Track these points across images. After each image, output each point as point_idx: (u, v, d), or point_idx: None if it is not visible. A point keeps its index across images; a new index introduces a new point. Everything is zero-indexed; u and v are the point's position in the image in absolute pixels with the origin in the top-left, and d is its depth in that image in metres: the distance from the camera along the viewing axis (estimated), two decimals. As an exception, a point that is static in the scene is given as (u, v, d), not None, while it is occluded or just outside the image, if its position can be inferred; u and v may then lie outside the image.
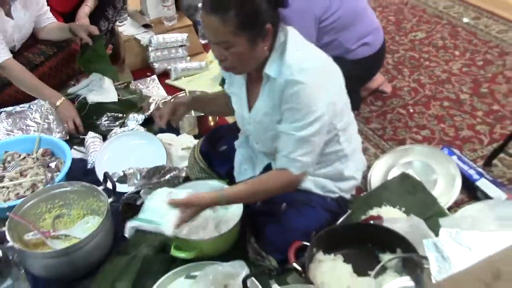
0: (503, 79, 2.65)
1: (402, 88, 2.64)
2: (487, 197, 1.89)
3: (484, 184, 1.93)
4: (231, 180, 1.85)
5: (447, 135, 2.30)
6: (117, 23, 2.94)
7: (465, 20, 3.24)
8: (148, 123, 2.37)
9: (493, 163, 2.10)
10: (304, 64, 1.44)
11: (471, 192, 1.94)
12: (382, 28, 2.31)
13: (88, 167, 2.17)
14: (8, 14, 2.38)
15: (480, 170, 1.99)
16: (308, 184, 1.65)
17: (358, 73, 2.26)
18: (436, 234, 1.55)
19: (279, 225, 1.64)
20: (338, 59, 2.21)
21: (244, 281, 1.45)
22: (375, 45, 2.25)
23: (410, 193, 1.90)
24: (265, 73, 1.49)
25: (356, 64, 2.23)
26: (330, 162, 1.65)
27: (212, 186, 1.78)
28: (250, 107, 1.62)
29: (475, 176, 1.95)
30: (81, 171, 2.15)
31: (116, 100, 2.51)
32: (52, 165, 2.08)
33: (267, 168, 1.70)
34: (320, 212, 1.67)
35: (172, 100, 1.83)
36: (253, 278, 1.54)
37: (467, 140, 2.26)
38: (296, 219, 1.64)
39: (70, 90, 2.59)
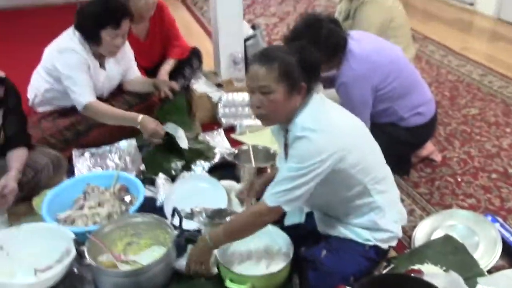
0: (553, 158, 2.75)
1: (451, 158, 2.78)
2: (526, 264, 1.97)
3: (525, 251, 2.02)
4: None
5: (492, 204, 2.41)
6: (193, 81, 3.27)
7: (519, 99, 3.38)
8: (212, 171, 2.61)
9: (536, 234, 2.18)
10: (310, 123, 1.68)
11: (510, 259, 2.03)
12: (434, 101, 2.50)
13: (157, 204, 2.41)
14: (102, 65, 2.75)
15: (522, 238, 2.09)
16: (347, 232, 1.82)
17: (409, 140, 2.45)
18: (474, 290, 1.67)
19: (319, 272, 1.79)
20: (391, 126, 2.45)
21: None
22: (427, 115, 2.44)
23: (452, 253, 2.01)
24: (287, 129, 1.76)
25: (408, 131, 2.42)
26: (363, 213, 1.82)
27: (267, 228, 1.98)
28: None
29: (516, 244, 2.05)
30: (151, 208, 2.38)
31: (187, 148, 2.78)
32: (127, 199, 2.34)
33: (309, 214, 1.90)
34: (358, 258, 1.81)
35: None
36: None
37: (511, 211, 2.36)
38: (334, 264, 1.78)
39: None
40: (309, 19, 2.42)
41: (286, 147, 1.85)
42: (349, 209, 1.83)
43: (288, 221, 2.02)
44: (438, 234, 2.13)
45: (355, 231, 1.83)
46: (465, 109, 3.30)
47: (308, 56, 1.73)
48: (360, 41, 2.34)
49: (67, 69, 2.57)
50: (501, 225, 2.15)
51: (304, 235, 1.95)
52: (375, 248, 1.83)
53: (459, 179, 2.60)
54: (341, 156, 1.68)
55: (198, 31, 4.93)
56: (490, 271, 1.95)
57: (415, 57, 3.16)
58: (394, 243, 1.91)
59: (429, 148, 2.74)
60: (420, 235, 2.16)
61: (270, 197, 1.72)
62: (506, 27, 4.79)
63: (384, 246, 1.86)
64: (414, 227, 2.20)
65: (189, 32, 4.77)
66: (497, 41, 4.54)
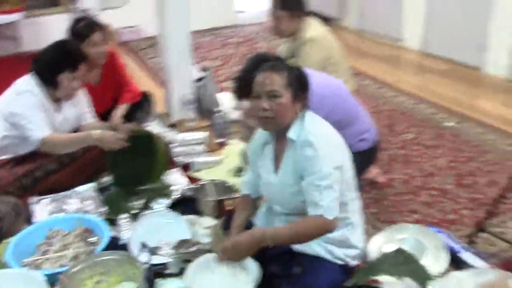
0: (483, 173, 3.03)
1: (394, 179, 3.01)
2: (470, 267, 2.17)
3: (468, 256, 2.22)
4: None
5: (435, 217, 2.63)
6: (145, 123, 3.38)
7: (449, 124, 3.69)
8: (173, 207, 2.70)
9: (476, 241, 2.40)
10: (317, 130, 1.89)
11: (457, 264, 2.22)
12: (375, 128, 2.72)
13: (120, 243, 2.47)
14: (58, 109, 2.81)
15: (464, 245, 2.30)
16: (318, 249, 1.96)
17: (356, 165, 2.64)
18: (426, 294, 1.84)
19: (294, 285, 1.90)
20: None
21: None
22: (370, 141, 2.66)
23: (404, 264, 2.17)
24: (289, 137, 1.91)
25: (355, 157, 2.61)
26: (338, 228, 1.97)
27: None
28: (276, 172, 1.99)
29: (460, 250, 2.26)
30: (114, 247, 2.43)
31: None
32: (92, 239, 2.39)
33: None
34: (330, 274, 1.94)
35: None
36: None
37: (452, 222, 2.59)
38: (309, 278, 1.90)
39: (105, 179, 2.95)
40: (257, 59, 2.60)
41: (276, 159, 2.01)
42: None
43: None
44: (389, 248, 2.30)
45: (327, 248, 1.96)
46: (403, 135, 3.58)
47: (301, 73, 1.96)
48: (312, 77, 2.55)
49: (24, 109, 2.63)
50: (445, 235, 2.35)
51: (274, 256, 2.06)
52: (345, 266, 1.98)
53: (403, 198, 2.82)
54: (342, 165, 1.89)
55: (144, 76, 5.06)
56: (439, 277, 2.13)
57: (354, 90, 3.41)
58: (360, 261, 2.06)
59: (373, 172, 2.95)
60: (373, 250, 2.32)
61: (328, 211, 1.81)
62: (432, 60, 5.22)
63: (353, 263, 2.01)
64: (367, 242, 2.36)
65: (135, 77, 4.88)
66: (424, 73, 4.94)
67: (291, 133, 1.92)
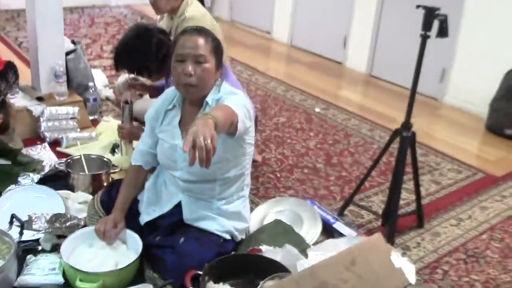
0: (348, 154, 3.28)
1: (270, 159, 3.12)
2: (342, 236, 2.34)
3: (339, 226, 2.40)
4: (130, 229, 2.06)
5: (308, 193, 2.78)
6: (9, 95, 3.10)
7: (317, 109, 3.93)
8: (42, 183, 2.52)
9: (344, 213, 2.59)
10: (233, 90, 1.90)
11: (329, 233, 2.38)
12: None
13: (-15, 219, 2.24)
14: None
15: (335, 216, 2.47)
16: (206, 222, 1.96)
17: None
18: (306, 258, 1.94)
19: (177, 255, 1.89)
20: None
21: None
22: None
23: (282, 234, 2.26)
24: (206, 101, 1.89)
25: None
26: (232, 199, 2.00)
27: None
28: (183, 136, 1.93)
29: (332, 220, 2.42)
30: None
31: (10, 162, 2.64)
32: (-51, 215, 2.14)
33: (177, 205, 1.99)
34: (215, 247, 1.95)
35: (106, 221, 2.02)
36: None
37: (324, 197, 2.76)
38: (192, 248, 1.90)
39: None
40: (139, 29, 2.54)
41: (183, 123, 1.96)
42: (224, 192, 1.98)
43: (147, 217, 2.06)
44: (268, 220, 2.39)
45: (218, 220, 1.97)
46: (275, 118, 3.72)
47: (219, 42, 1.95)
48: None
49: None
50: (318, 207, 2.51)
51: (158, 228, 2.02)
52: (231, 240, 2.02)
53: (278, 175, 2.94)
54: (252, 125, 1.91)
55: (4, 49, 4.63)
56: (314, 245, 2.26)
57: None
58: (244, 235, 2.10)
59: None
60: (253, 222, 2.39)
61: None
62: (297, 52, 5.49)
63: (239, 237, 2.05)
64: (248, 216, 2.43)
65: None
66: (292, 63, 5.18)
67: (208, 98, 1.90)
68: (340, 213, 2.59)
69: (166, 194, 2.06)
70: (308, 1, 5.44)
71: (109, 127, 3.15)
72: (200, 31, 1.90)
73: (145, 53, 2.49)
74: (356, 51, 5.00)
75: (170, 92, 2.05)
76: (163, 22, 3.28)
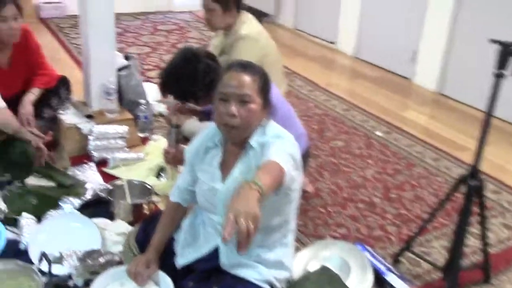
0: (410, 187, 3.01)
1: (322, 189, 2.92)
2: (394, 290, 2.11)
3: (392, 278, 2.16)
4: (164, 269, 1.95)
5: (361, 233, 2.55)
6: (60, 111, 3.07)
7: (378, 133, 3.67)
8: (84, 208, 2.45)
9: (400, 260, 2.35)
10: (280, 133, 1.73)
11: (381, 284, 2.16)
12: (307, 135, 2.60)
13: (21, 247, 2.20)
14: None
15: (389, 266, 2.24)
16: (245, 270, 1.80)
17: None
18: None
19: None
20: None
21: None
22: (301, 149, 2.52)
23: (328, 284, 2.07)
24: (249, 143, 1.72)
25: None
26: (274, 247, 1.82)
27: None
28: (223, 179, 1.78)
29: (385, 271, 2.19)
30: (14, 252, 2.16)
31: (54, 184, 2.60)
32: (-16, 243, 2.10)
33: (215, 250, 1.83)
34: None
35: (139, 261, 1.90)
36: None
37: (378, 239, 2.52)
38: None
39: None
40: (186, 54, 2.41)
41: (224, 165, 1.80)
42: (266, 240, 1.81)
43: (181, 261, 1.93)
44: (314, 265, 2.19)
45: (257, 268, 1.80)
46: (332, 142, 3.50)
47: (268, 78, 1.78)
48: None
49: None
50: (371, 254, 2.28)
51: (191, 273, 1.88)
52: None
53: (330, 210, 2.73)
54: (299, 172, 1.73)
55: (64, 57, 4.68)
56: (363, 299, 2.05)
57: (286, 92, 3.30)
58: (286, 284, 1.92)
59: (302, 180, 2.84)
60: (297, 267, 2.20)
61: (282, 161, 1.54)
62: (362, 65, 5.22)
63: (279, 286, 1.87)
64: (292, 259, 2.24)
65: (55, 59, 4.51)
66: (355, 78, 4.92)
67: (252, 141, 1.73)
68: (396, 260, 2.35)
69: (204, 235, 1.92)
70: (376, 11, 5.16)
71: (157, 147, 3.06)
72: (247, 67, 1.74)
73: (192, 79, 2.36)
74: (426, 66, 4.67)
75: (212, 128, 1.90)
76: (217, 39, 3.16)
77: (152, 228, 2.06)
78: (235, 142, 1.79)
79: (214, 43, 3.21)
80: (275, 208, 1.76)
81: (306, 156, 2.59)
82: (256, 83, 1.70)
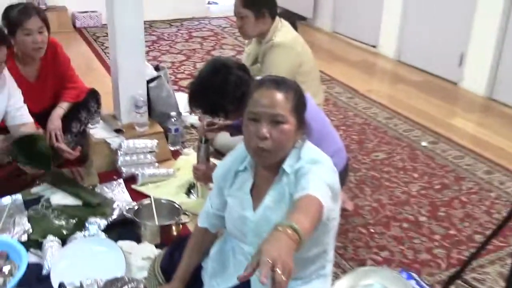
0: (459, 204, 2.77)
1: (363, 207, 2.71)
2: (444, 325, 1.90)
3: (441, 311, 1.95)
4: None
5: (406, 257, 2.34)
6: (89, 125, 2.99)
7: (424, 144, 3.43)
8: (109, 228, 2.34)
9: (451, 289, 2.13)
10: (316, 158, 1.54)
11: (429, 318, 1.95)
12: (345, 149, 2.41)
13: (44, 272, 2.10)
14: None
15: (437, 296, 2.03)
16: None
17: None
18: None
19: None
20: None
21: None
22: (340, 165, 2.34)
23: (370, 317, 1.90)
24: (282, 168, 1.54)
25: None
26: (311, 280, 1.65)
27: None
28: (254, 207, 1.62)
29: (433, 303, 1.98)
30: (35, 277, 2.07)
31: (81, 203, 2.50)
32: (6, 269, 2.00)
33: (247, 281, 1.67)
34: None
35: None
36: None
37: (425, 263, 2.31)
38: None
39: (34, 190, 2.58)
40: (216, 65, 2.26)
41: (255, 190, 1.64)
42: (301, 273, 1.64)
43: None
44: (354, 295, 2.01)
45: None
46: (374, 154, 3.29)
47: (303, 94, 1.61)
48: None
49: None
50: (417, 283, 2.07)
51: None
52: None
53: (371, 230, 2.53)
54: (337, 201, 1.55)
55: (99, 67, 4.63)
56: (409, 335, 1.85)
57: (323, 101, 3.11)
58: None
59: (341, 197, 2.65)
60: (336, 297, 2.02)
61: (319, 193, 1.38)
62: (405, 69, 4.96)
63: None
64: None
65: (90, 69, 4.47)
66: (398, 83, 4.67)
67: (286, 165, 1.55)
68: (445, 289, 2.13)
69: (234, 264, 1.76)
70: (420, 13, 4.90)
71: (189, 161, 2.92)
72: (280, 83, 1.56)
73: (222, 91, 2.21)
74: (475, 70, 4.38)
75: (241, 150, 1.73)
76: (250, 47, 3.01)
77: (179, 254, 1.92)
78: (266, 166, 1.62)
79: (247, 51, 3.07)
80: (312, 239, 1.57)
81: (344, 171, 2.40)
82: (290, 101, 1.52)
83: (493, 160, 3.25)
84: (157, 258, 2.00)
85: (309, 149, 1.60)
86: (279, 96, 1.51)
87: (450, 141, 3.48)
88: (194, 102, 2.29)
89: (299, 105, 1.56)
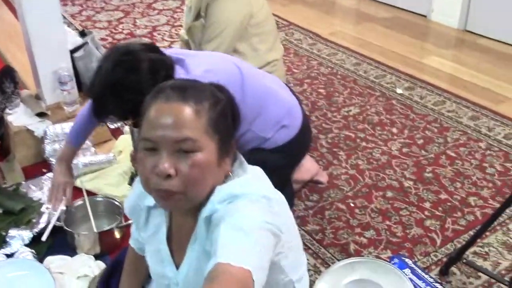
0: (447, 160, 2.42)
1: (339, 176, 2.34)
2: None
3: (444, 305, 1.62)
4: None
5: (394, 235, 2.00)
6: (7, 110, 2.49)
7: (399, 91, 3.04)
8: (36, 242, 1.91)
9: (451, 272, 1.80)
10: (235, 191, 1.03)
11: (431, 315, 1.62)
12: (300, 104, 1.95)
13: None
14: None
15: (437, 281, 1.69)
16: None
17: (282, 163, 1.88)
18: None
19: None
20: (256, 152, 1.86)
21: None
22: (295, 125, 1.91)
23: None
24: (201, 218, 1.05)
25: (277, 152, 1.87)
26: None
27: None
28: (176, 264, 1.17)
29: (433, 294, 1.65)
30: None
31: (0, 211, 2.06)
32: None
33: None
34: None
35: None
36: None
37: (417, 241, 1.97)
38: None
39: None
40: (118, 55, 1.71)
41: (171, 240, 1.18)
42: None
43: None
44: (339, 296, 1.66)
45: None
46: (344, 109, 2.89)
47: (233, 102, 1.10)
48: (189, 66, 1.74)
49: None
50: (412, 271, 1.73)
51: None
52: None
53: (351, 204, 2.17)
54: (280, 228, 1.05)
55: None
56: None
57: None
58: None
59: (312, 169, 2.27)
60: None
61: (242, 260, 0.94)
62: (370, 5, 4.50)
63: None
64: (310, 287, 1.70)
65: (11, 39, 3.87)
66: (363, 21, 4.22)
67: (206, 210, 1.04)
68: (444, 272, 1.80)
69: None
70: None
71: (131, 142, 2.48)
72: (186, 90, 1.02)
73: (137, 85, 1.65)
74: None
75: None
76: (190, 0, 2.52)
77: (116, 280, 1.52)
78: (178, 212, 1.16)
79: (188, 4, 2.57)
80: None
81: (304, 132, 1.95)
82: (204, 116, 1.00)
83: (478, 103, 2.90)
84: (93, 280, 1.60)
85: (229, 184, 1.06)
86: (186, 110, 0.99)
87: (427, 84, 3.10)
88: (104, 110, 1.75)
89: (221, 117, 1.04)
